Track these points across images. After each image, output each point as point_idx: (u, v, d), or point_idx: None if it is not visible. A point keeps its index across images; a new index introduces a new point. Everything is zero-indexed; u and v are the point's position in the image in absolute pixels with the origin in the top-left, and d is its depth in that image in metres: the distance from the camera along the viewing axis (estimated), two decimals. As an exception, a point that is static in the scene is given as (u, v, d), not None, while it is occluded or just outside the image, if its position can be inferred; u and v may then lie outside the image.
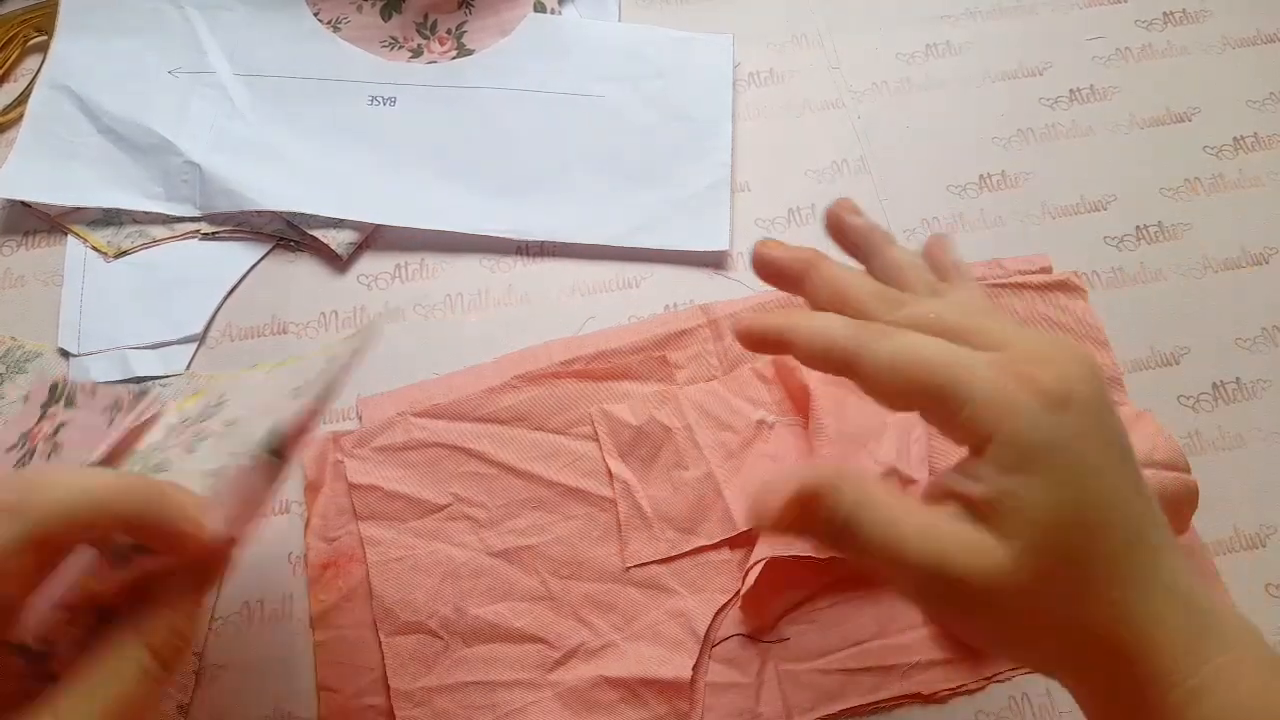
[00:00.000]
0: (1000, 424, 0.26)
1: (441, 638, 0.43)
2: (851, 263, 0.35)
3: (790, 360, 0.48)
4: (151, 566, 0.28)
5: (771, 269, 0.34)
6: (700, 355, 0.50)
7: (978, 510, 0.26)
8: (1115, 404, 0.28)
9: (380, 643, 0.43)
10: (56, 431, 0.41)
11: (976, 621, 0.27)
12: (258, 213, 0.52)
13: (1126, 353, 0.50)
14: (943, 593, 0.26)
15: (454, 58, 0.58)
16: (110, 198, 0.52)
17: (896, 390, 0.28)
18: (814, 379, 0.46)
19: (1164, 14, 0.61)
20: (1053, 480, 0.26)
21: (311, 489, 0.46)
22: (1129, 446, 0.28)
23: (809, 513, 0.27)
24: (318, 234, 0.52)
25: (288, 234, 0.53)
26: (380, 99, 0.56)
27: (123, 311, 0.51)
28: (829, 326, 0.30)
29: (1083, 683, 0.28)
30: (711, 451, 0.47)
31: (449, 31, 0.58)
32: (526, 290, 0.52)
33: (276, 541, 0.45)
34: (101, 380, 0.49)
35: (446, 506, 0.46)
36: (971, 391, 0.26)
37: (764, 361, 0.49)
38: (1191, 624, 0.26)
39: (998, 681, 0.43)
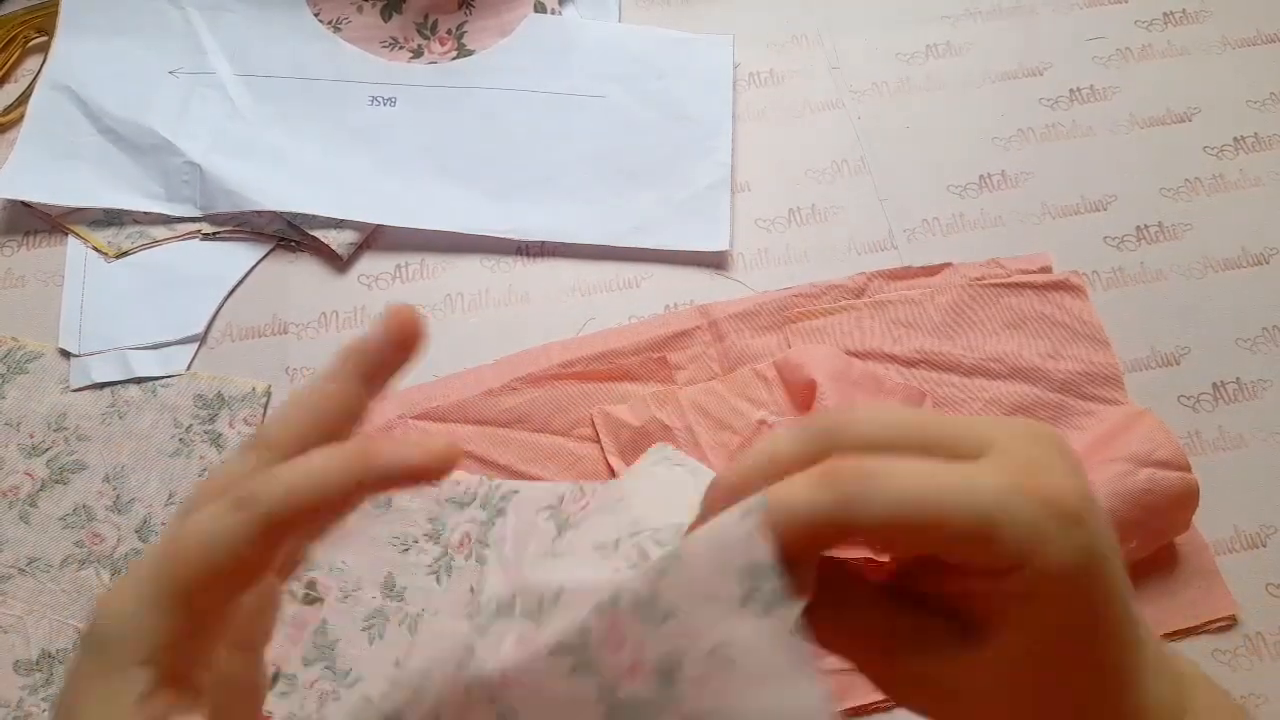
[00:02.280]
0: (1031, 557, 0.23)
1: (442, 638, 0.43)
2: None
3: (794, 358, 0.48)
4: None
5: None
6: (700, 356, 0.50)
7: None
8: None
9: (381, 643, 0.43)
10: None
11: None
12: (258, 213, 0.52)
13: (1127, 353, 0.50)
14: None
15: (454, 58, 0.58)
16: (111, 198, 0.52)
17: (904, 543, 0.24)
18: (821, 374, 0.46)
19: (1164, 14, 0.61)
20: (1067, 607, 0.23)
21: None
22: (1115, 539, 0.26)
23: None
24: (318, 234, 0.52)
25: (288, 234, 0.53)
26: (381, 99, 0.56)
27: (123, 312, 0.51)
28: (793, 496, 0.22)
29: None
30: (712, 452, 0.47)
31: (449, 32, 0.58)
32: (527, 290, 0.52)
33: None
34: (101, 380, 0.49)
35: (447, 507, 0.46)
36: (994, 525, 0.22)
37: (765, 362, 0.49)
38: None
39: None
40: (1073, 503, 0.24)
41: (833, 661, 0.42)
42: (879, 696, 0.42)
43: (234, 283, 0.52)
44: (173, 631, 0.21)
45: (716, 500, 0.24)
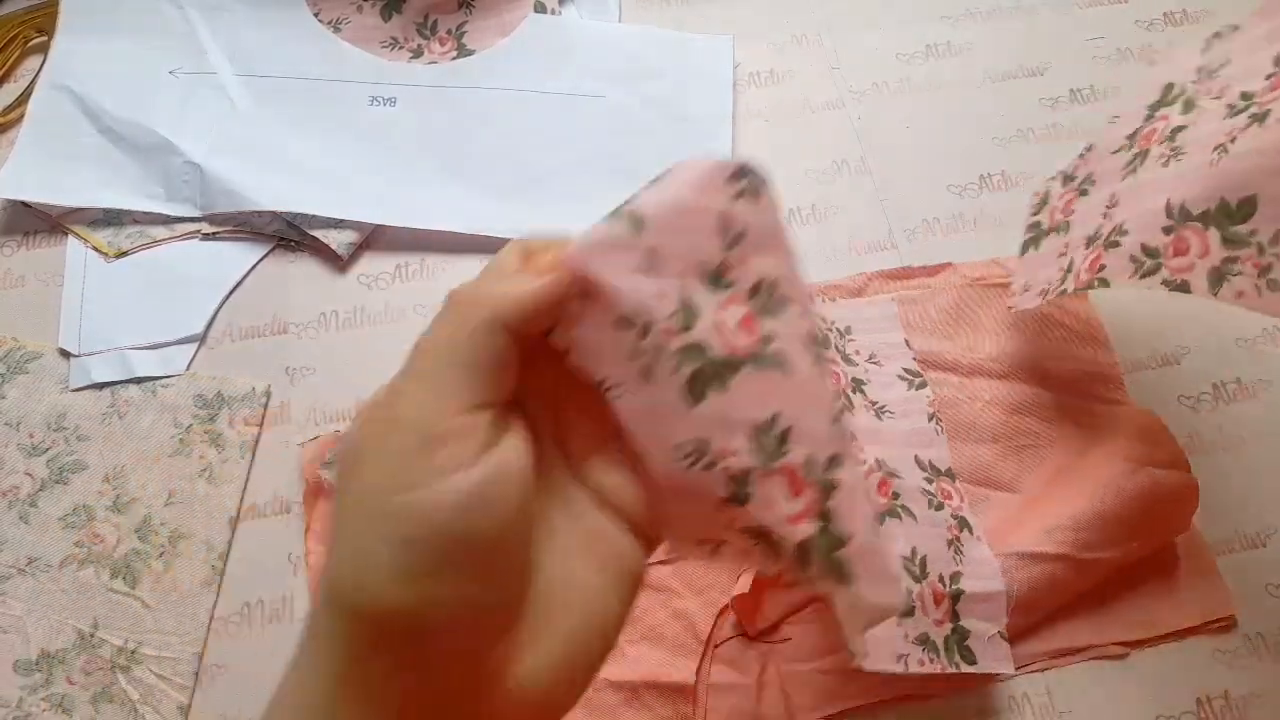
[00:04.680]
0: None
1: (443, 638, 0.43)
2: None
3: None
4: None
5: None
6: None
7: None
8: None
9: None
10: (1174, 136, 0.40)
11: None
12: (258, 213, 0.52)
13: (1127, 353, 0.50)
14: None
15: (454, 58, 0.58)
16: (111, 198, 0.52)
17: None
18: None
19: (1164, 14, 0.61)
20: None
21: (311, 493, 0.46)
22: None
23: None
24: (318, 234, 0.52)
25: (288, 234, 0.53)
26: (381, 99, 0.56)
27: (123, 312, 0.51)
28: None
29: None
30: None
31: (449, 32, 0.58)
32: (527, 291, 0.52)
33: (276, 542, 0.45)
34: (101, 380, 0.49)
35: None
36: None
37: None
38: None
39: (998, 682, 0.43)
40: None
41: (831, 662, 0.42)
42: (879, 696, 0.42)
43: (234, 283, 0.52)
44: (493, 350, 0.24)
45: None
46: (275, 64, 0.57)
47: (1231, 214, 0.35)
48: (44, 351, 0.50)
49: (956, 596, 0.42)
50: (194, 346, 0.50)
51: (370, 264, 0.53)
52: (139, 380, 0.49)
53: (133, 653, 0.43)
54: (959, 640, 0.42)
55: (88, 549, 0.46)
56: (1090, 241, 0.41)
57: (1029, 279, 0.46)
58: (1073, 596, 0.43)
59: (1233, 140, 0.36)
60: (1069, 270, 0.42)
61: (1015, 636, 0.43)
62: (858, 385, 0.46)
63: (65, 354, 0.50)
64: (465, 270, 0.53)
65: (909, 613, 0.42)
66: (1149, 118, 0.43)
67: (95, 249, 0.52)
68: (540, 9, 0.59)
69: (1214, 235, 0.35)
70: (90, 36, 0.56)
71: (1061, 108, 0.58)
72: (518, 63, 0.57)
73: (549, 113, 0.56)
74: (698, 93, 0.57)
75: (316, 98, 0.56)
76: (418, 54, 0.58)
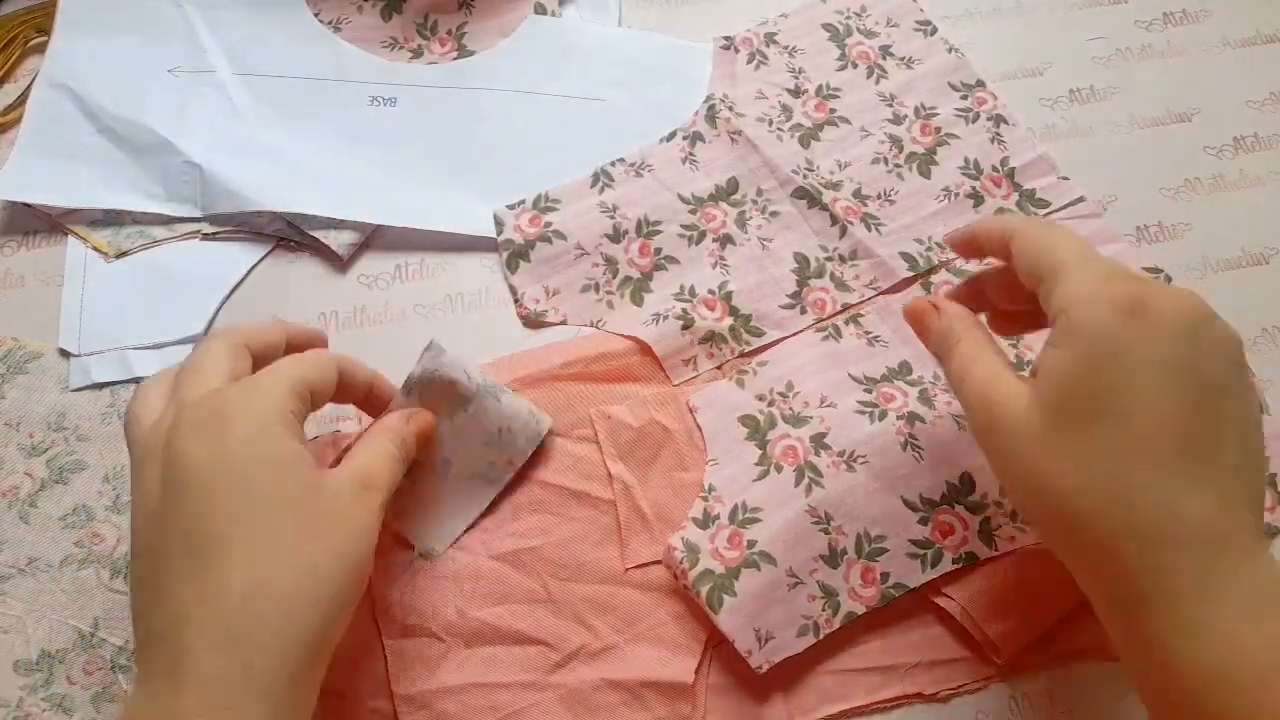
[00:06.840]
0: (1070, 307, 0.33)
1: (444, 640, 0.43)
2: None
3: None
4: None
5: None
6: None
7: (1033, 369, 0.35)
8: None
9: (382, 646, 0.43)
10: None
11: (1007, 461, 0.34)
12: (258, 213, 0.52)
13: (1126, 353, 0.50)
14: (984, 426, 0.35)
15: (454, 59, 0.58)
16: (111, 199, 0.52)
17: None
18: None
19: (1164, 14, 0.61)
20: (1089, 360, 0.32)
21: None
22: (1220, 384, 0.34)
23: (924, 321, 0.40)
24: (318, 234, 0.52)
25: (288, 234, 0.53)
26: (381, 99, 0.56)
27: (123, 312, 0.51)
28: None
29: (1079, 573, 0.34)
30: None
31: (449, 32, 0.58)
32: (527, 291, 0.52)
33: (277, 542, 0.45)
34: (101, 380, 0.49)
35: (449, 507, 0.45)
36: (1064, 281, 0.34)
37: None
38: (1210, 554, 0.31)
39: (998, 681, 0.43)
40: (1135, 297, 0.33)
41: (831, 662, 0.43)
42: (879, 696, 0.42)
43: (234, 283, 0.52)
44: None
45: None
46: (275, 63, 0.57)
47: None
48: (44, 351, 0.50)
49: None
50: (194, 346, 0.50)
51: (370, 264, 0.53)
52: (139, 380, 0.49)
53: (133, 653, 0.43)
54: None
55: (88, 549, 0.46)
56: None
57: None
58: (1073, 595, 0.43)
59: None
60: None
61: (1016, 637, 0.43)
62: (885, 51, 0.58)
63: (65, 354, 0.50)
64: (465, 270, 0.53)
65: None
66: None
67: (95, 249, 0.52)
68: (540, 10, 0.59)
69: None
70: (88, 35, 0.56)
71: (1061, 108, 0.58)
72: (518, 64, 0.57)
73: (549, 114, 0.56)
74: (697, 98, 0.57)
75: (316, 97, 0.56)
76: (418, 54, 0.58)
